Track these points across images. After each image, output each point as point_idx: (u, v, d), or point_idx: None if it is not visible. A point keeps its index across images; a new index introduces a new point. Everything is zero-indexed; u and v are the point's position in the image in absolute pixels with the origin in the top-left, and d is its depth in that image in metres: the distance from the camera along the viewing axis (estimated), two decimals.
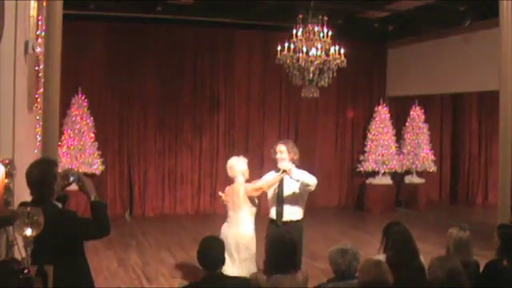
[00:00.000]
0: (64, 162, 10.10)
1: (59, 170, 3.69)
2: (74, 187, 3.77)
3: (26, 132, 4.52)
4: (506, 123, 6.43)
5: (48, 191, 3.45)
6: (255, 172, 12.05)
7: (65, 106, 9.97)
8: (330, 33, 8.22)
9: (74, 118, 10.56)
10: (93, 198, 3.55)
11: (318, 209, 12.20)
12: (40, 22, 5.09)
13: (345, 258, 3.82)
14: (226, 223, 6.13)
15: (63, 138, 10.32)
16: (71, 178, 3.63)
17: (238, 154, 12.03)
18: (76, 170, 9.66)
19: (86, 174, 9.85)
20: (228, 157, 11.85)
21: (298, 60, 8.23)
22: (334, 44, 8.23)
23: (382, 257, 4.30)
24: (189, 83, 11.87)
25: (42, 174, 3.43)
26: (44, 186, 3.42)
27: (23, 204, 3.26)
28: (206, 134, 12.01)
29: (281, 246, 4.01)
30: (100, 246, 8.19)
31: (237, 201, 5.94)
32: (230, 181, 6.47)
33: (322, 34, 8.19)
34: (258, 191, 5.97)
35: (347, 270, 3.82)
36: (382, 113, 12.75)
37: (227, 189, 6.23)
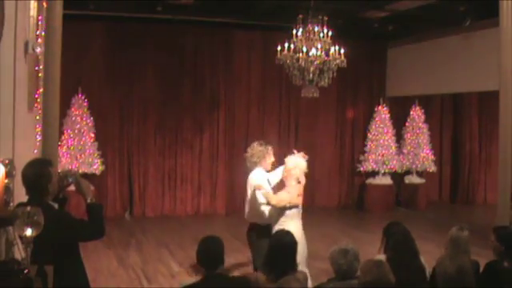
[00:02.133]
0: (64, 162, 10.11)
1: (59, 171, 3.70)
2: (70, 188, 3.82)
3: (26, 132, 4.52)
4: (506, 123, 6.44)
5: (42, 191, 3.45)
6: None
7: (65, 106, 9.96)
8: (330, 33, 8.22)
9: (73, 118, 10.55)
10: (89, 200, 3.57)
11: (318, 208, 12.21)
12: (40, 22, 5.09)
13: (346, 259, 3.82)
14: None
15: (63, 137, 10.32)
16: (70, 180, 3.66)
17: (237, 154, 12.25)
18: (76, 170, 9.66)
19: (86, 174, 9.94)
20: (228, 156, 12.03)
21: (298, 60, 8.23)
22: (334, 44, 8.23)
23: (382, 257, 4.31)
24: (189, 83, 11.86)
25: (36, 175, 3.43)
26: (38, 186, 3.42)
27: (20, 205, 3.26)
28: (206, 134, 12.01)
29: (280, 246, 4.00)
30: (100, 246, 8.19)
31: None
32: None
33: (322, 34, 8.19)
34: None
35: (348, 270, 3.82)
36: (382, 113, 12.75)
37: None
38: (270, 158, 5.94)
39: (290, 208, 5.51)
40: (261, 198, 5.64)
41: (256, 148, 5.94)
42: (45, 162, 3.66)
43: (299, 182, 5.61)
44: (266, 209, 5.72)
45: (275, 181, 5.96)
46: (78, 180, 3.65)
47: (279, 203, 5.49)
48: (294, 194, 5.54)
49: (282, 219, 5.50)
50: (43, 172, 3.47)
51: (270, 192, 5.68)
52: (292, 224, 5.40)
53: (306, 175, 5.72)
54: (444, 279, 3.26)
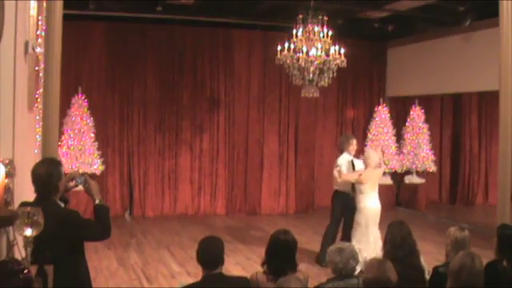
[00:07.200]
0: (64, 162, 10.10)
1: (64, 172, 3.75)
2: (77, 188, 3.89)
3: (26, 132, 4.52)
4: (506, 123, 6.43)
5: (52, 189, 3.51)
6: (256, 168, 12.11)
7: (65, 105, 9.95)
8: (330, 33, 8.22)
9: (73, 118, 10.55)
10: (97, 201, 3.64)
11: (318, 208, 12.22)
12: (40, 22, 5.09)
13: (342, 256, 3.83)
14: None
15: (63, 138, 10.32)
16: (78, 180, 3.74)
17: (237, 154, 12.26)
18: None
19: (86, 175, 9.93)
20: (228, 156, 12.02)
21: (298, 60, 8.23)
22: (334, 44, 8.23)
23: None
24: (189, 83, 11.86)
25: (48, 172, 3.50)
26: (49, 184, 3.49)
27: (24, 204, 3.27)
28: (205, 134, 12.00)
29: (279, 246, 3.99)
30: (100, 246, 8.19)
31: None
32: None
33: (322, 34, 8.19)
34: None
35: (344, 268, 3.82)
36: (382, 113, 12.75)
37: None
38: (353, 147, 7.98)
39: (357, 183, 7.43)
40: (335, 173, 7.68)
41: (343, 137, 8.62)
42: (55, 162, 3.74)
43: (378, 167, 7.61)
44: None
45: (359, 164, 7.90)
46: (87, 181, 3.71)
47: (343, 178, 7.60)
48: (358, 174, 7.49)
49: (358, 195, 7.45)
50: (54, 171, 3.54)
51: (344, 171, 7.71)
52: (363, 198, 7.37)
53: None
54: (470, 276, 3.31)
